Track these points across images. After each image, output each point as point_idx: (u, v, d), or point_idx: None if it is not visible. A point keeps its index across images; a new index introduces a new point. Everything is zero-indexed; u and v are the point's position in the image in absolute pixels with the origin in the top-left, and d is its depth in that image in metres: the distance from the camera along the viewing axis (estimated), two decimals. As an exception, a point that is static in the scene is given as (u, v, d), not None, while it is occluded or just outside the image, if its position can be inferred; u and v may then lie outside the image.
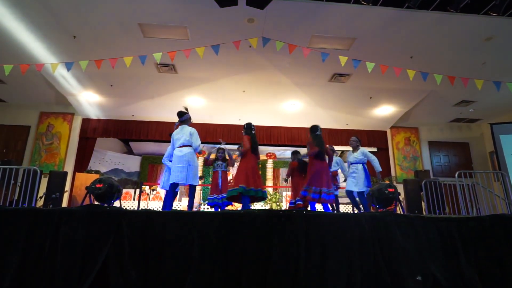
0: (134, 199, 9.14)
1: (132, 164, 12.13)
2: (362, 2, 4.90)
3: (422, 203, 6.96)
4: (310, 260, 2.66)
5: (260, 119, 9.36)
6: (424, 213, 6.83)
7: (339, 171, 6.21)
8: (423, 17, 5.21)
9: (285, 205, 9.33)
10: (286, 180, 6.23)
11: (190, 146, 4.42)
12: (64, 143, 8.95)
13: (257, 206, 7.87)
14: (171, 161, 4.67)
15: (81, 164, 9.23)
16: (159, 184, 7.75)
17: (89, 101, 8.55)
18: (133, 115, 9.44)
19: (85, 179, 7.91)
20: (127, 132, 9.61)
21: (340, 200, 6.77)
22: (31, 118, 9.03)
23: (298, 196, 4.88)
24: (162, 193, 9.28)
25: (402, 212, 4.92)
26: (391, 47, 6.04)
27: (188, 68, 7.06)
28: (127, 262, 2.59)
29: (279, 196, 9.90)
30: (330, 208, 5.13)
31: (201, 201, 9.63)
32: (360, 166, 5.45)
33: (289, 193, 6.77)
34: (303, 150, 5.62)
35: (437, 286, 2.68)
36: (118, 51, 6.00)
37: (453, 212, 6.36)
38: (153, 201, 9.29)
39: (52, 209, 2.95)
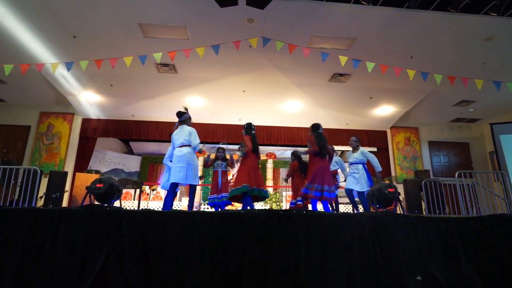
0: (134, 199, 9.14)
1: (132, 164, 12.13)
2: (362, 2, 4.90)
3: (422, 203, 6.96)
4: (310, 260, 2.66)
5: (260, 119, 9.35)
6: (424, 213, 6.83)
7: (339, 170, 6.22)
8: (423, 17, 5.21)
9: (285, 205, 9.33)
10: (286, 180, 6.23)
11: (190, 145, 4.41)
12: (64, 143, 8.95)
13: (257, 206, 7.85)
14: (171, 161, 4.66)
15: (81, 164, 9.23)
16: (159, 184, 7.76)
17: (89, 101, 8.56)
18: (133, 115, 9.45)
19: (85, 179, 7.92)
20: (127, 132, 9.62)
21: (340, 200, 6.76)
22: (31, 118, 9.04)
23: (299, 194, 4.86)
24: (162, 193, 9.28)
25: (402, 212, 4.91)
26: (391, 47, 6.05)
27: (188, 68, 7.06)
28: (127, 262, 2.59)
29: (279, 196, 9.90)
30: (330, 208, 5.12)
31: (201, 201, 9.62)
32: (360, 166, 5.46)
33: (289, 193, 6.77)
34: (303, 150, 5.61)
35: (437, 286, 2.68)
36: (118, 51, 6.01)
37: (453, 212, 6.35)
38: (153, 201, 9.29)
39: (52, 209, 2.95)
